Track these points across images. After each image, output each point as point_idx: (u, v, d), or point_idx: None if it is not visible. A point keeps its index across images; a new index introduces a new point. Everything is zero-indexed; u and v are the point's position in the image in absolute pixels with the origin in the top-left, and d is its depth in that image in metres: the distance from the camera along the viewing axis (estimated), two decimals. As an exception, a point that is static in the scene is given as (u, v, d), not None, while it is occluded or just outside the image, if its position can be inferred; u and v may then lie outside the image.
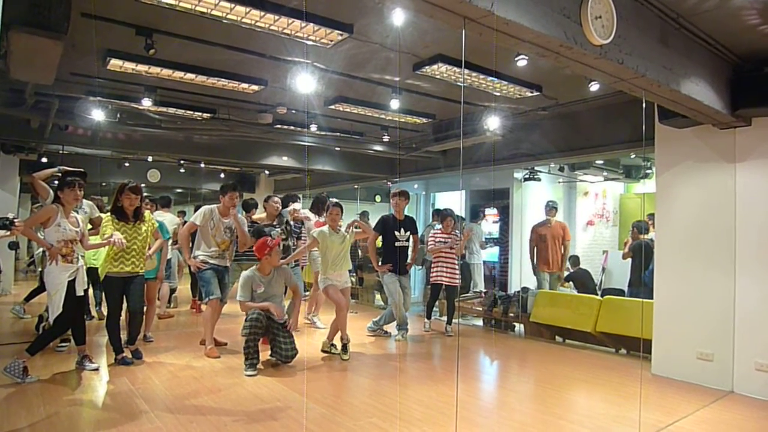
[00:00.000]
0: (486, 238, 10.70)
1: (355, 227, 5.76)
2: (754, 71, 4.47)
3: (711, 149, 4.87)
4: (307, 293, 7.65)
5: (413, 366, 5.42)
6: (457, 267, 6.74)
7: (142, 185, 5.15)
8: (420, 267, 10.45)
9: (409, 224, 6.42)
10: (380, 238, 6.39)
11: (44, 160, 9.38)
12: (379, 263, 6.32)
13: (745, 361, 4.52)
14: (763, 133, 4.57)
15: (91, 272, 5.33)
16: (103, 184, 10.78)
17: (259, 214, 6.69)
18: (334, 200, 5.79)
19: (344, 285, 5.54)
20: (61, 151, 8.67)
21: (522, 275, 9.45)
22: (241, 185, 13.78)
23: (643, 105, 4.16)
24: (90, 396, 4.08)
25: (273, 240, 5.02)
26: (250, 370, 4.68)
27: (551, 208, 8.20)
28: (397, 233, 6.24)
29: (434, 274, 6.81)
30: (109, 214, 4.79)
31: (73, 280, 4.37)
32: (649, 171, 9.67)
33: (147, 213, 5.03)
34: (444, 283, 6.72)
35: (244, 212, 6.68)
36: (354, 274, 10.17)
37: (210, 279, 5.27)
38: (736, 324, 4.60)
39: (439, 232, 6.89)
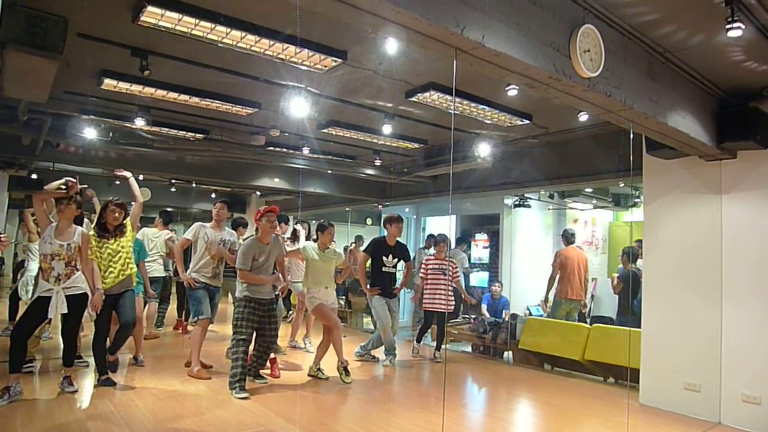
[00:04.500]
0: (473, 263, 10.70)
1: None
2: (739, 105, 4.57)
3: (697, 180, 4.95)
4: (291, 312, 7.61)
5: (401, 392, 5.38)
6: (449, 293, 6.72)
7: (132, 203, 5.12)
8: (410, 290, 10.41)
9: (400, 251, 6.39)
10: (370, 261, 6.38)
11: (34, 176, 9.34)
12: (368, 286, 6.30)
13: (732, 392, 4.52)
14: (748, 165, 4.66)
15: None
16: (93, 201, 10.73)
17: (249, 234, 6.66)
18: (328, 221, 5.79)
19: (331, 306, 5.50)
20: (51, 168, 8.63)
21: (512, 301, 9.42)
22: (232, 206, 13.78)
23: (631, 136, 4.23)
24: (70, 418, 3.98)
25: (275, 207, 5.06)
26: (243, 392, 4.60)
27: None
28: (385, 258, 6.23)
29: (427, 300, 6.78)
30: (91, 231, 4.74)
31: (44, 299, 4.19)
32: (637, 200, 9.76)
33: (127, 223, 4.90)
34: (435, 309, 6.69)
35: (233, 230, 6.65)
36: (343, 297, 10.13)
37: (201, 299, 5.24)
38: (722, 355, 4.61)
39: (432, 258, 6.88)
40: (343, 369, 5.32)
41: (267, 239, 4.96)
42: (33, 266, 5.09)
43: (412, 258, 7.98)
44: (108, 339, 4.90)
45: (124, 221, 4.86)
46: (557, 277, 7.68)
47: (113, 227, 4.75)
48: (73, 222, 4.46)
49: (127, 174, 5.11)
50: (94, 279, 4.51)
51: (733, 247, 4.66)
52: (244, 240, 5.52)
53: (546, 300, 7.93)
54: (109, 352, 4.85)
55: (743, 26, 3.15)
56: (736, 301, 4.58)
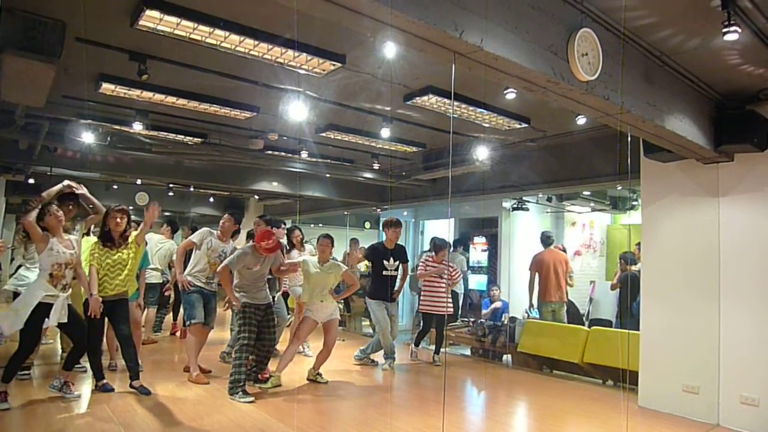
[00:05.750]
0: (471, 266, 10.71)
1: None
2: (735, 109, 4.58)
3: (695, 183, 4.96)
4: (289, 317, 7.60)
5: (400, 396, 5.37)
6: (447, 296, 6.72)
7: (130, 208, 5.08)
8: (414, 294, 10.40)
9: (400, 253, 6.40)
10: (370, 265, 6.37)
11: (31, 181, 9.32)
12: (367, 290, 6.28)
13: (731, 395, 4.52)
14: (745, 168, 4.67)
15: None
16: (91, 206, 10.71)
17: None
18: (325, 233, 5.75)
19: (329, 317, 5.41)
20: (48, 173, 8.62)
21: (510, 304, 9.43)
22: (230, 209, 13.76)
23: (629, 139, 4.24)
24: (68, 425, 3.96)
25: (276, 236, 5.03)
26: (247, 397, 4.61)
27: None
28: (386, 262, 6.22)
29: (424, 303, 6.77)
30: (96, 238, 4.71)
31: (47, 306, 4.15)
32: (635, 203, 9.80)
33: (132, 236, 4.84)
34: (434, 312, 6.69)
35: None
36: (342, 301, 10.11)
37: (195, 302, 5.21)
38: (721, 357, 4.61)
39: (431, 259, 6.87)
40: (316, 374, 5.44)
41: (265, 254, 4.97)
42: (28, 275, 4.99)
43: (414, 264, 7.99)
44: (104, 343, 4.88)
45: (129, 229, 4.80)
46: (536, 280, 7.75)
47: (118, 234, 4.68)
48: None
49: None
50: (91, 284, 4.49)
51: (730, 250, 4.67)
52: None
53: (531, 305, 7.96)
54: (131, 379, 4.72)
55: (740, 30, 3.17)
56: (735, 304, 4.59)
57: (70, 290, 4.38)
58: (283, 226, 6.91)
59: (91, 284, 4.49)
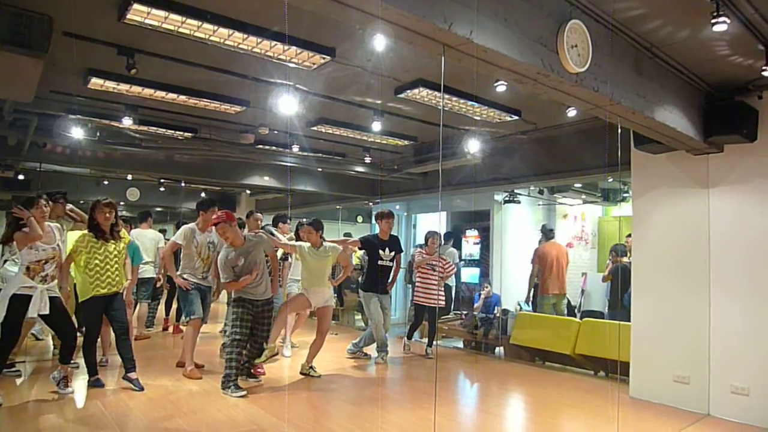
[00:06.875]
0: (464, 259, 10.74)
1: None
2: (725, 100, 4.60)
3: (685, 175, 4.98)
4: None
5: (393, 389, 5.39)
6: (438, 288, 6.73)
7: (121, 203, 5.06)
8: (410, 285, 10.42)
9: (394, 243, 6.38)
10: (365, 257, 6.38)
11: (21, 177, 9.23)
12: (360, 283, 6.30)
13: (721, 384, 4.57)
14: (735, 159, 4.70)
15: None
16: (81, 202, 10.61)
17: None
18: (310, 219, 5.75)
19: (324, 303, 5.44)
20: (38, 169, 8.54)
21: (502, 297, 9.47)
22: (222, 204, 13.70)
23: (619, 131, 4.25)
24: (61, 420, 3.94)
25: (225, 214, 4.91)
26: (239, 391, 4.60)
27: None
28: (381, 252, 6.21)
29: (416, 295, 6.79)
30: (85, 232, 4.68)
31: (25, 297, 4.13)
32: (626, 195, 9.85)
33: (123, 231, 4.86)
34: (425, 304, 6.71)
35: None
36: (335, 294, 10.12)
37: (193, 299, 5.22)
38: (711, 347, 4.65)
39: (424, 252, 6.89)
40: (309, 368, 5.43)
41: (237, 242, 4.85)
42: (13, 269, 4.97)
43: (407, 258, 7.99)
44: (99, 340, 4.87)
45: (119, 224, 4.77)
46: (537, 273, 7.78)
47: (106, 228, 4.63)
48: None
49: None
50: (63, 276, 4.51)
51: (720, 240, 4.70)
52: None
53: (528, 299, 7.99)
54: (127, 371, 4.68)
55: (728, 21, 3.18)
56: (724, 294, 4.63)
57: (54, 282, 4.37)
58: (288, 221, 6.97)
59: (62, 276, 4.51)
